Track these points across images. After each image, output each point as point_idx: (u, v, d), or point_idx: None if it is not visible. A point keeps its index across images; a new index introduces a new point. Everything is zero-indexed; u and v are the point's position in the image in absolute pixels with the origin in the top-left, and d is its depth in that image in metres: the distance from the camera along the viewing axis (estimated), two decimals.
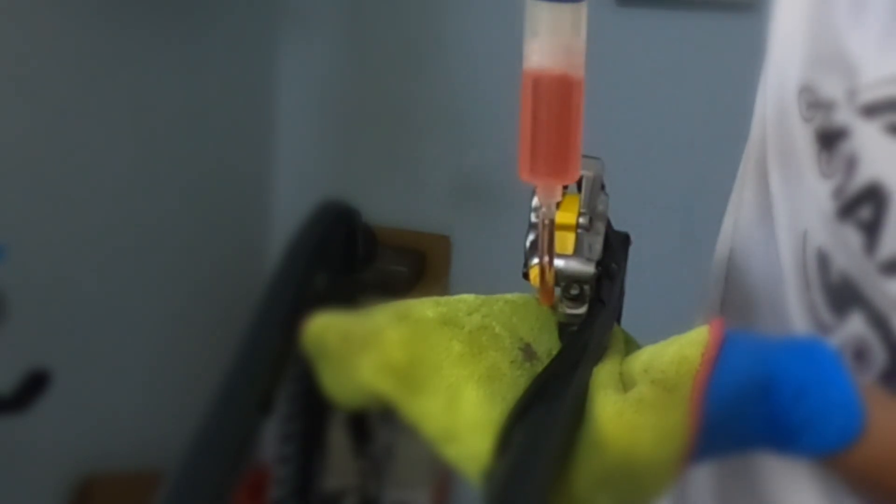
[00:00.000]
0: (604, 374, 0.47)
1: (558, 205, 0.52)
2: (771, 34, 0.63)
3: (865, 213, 0.54)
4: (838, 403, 0.47)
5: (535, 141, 0.45)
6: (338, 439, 0.53)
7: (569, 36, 0.44)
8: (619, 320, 0.55)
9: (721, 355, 0.46)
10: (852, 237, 0.55)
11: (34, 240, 1.59)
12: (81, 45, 1.66)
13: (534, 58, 0.44)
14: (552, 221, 0.47)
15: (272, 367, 0.47)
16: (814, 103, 0.57)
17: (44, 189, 1.62)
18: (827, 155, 0.56)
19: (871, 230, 0.54)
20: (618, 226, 0.55)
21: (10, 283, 1.47)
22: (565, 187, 0.53)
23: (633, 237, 0.56)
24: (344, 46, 2.13)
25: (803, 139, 0.58)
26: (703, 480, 0.67)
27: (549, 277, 0.49)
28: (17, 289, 1.49)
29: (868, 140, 0.53)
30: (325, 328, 0.48)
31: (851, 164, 0.54)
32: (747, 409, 0.47)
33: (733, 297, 0.66)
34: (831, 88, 0.55)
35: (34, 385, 1.48)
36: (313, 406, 0.50)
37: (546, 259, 0.48)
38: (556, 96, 0.44)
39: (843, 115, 0.55)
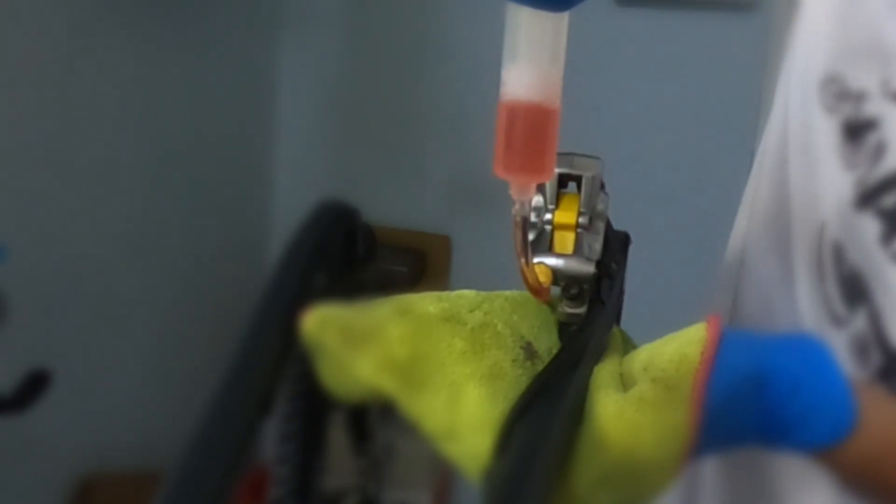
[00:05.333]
0: (604, 374, 0.47)
1: (557, 203, 0.53)
2: (796, 26, 0.63)
3: (889, 200, 0.54)
4: (831, 399, 0.47)
5: (508, 142, 0.45)
6: (338, 439, 0.53)
7: (547, 64, 0.44)
8: (618, 320, 0.55)
9: (719, 353, 0.46)
10: (870, 226, 0.55)
11: (34, 240, 1.59)
12: (81, 45, 1.66)
13: (510, 86, 0.44)
14: (525, 219, 0.46)
15: (272, 366, 0.47)
16: (842, 94, 0.57)
17: (44, 189, 1.62)
18: (851, 146, 0.56)
19: (894, 218, 0.54)
20: (618, 226, 0.55)
21: (10, 283, 1.47)
22: (563, 187, 0.53)
23: (633, 237, 0.56)
24: (344, 46, 2.13)
25: (825, 130, 0.58)
26: (712, 480, 0.67)
27: (530, 276, 0.49)
28: (17, 289, 1.49)
29: None
30: (324, 322, 0.48)
31: (878, 153, 0.54)
32: (743, 405, 0.47)
33: (748, 292, 0.66)
34: (863, 79, 0.55)
35: (34, 385, 1.48)
36: (313, 406, 0.50)
37: (523, 259, 0.48)
38: (531, 125, 0.44)
39: (874, 106, 0.54)
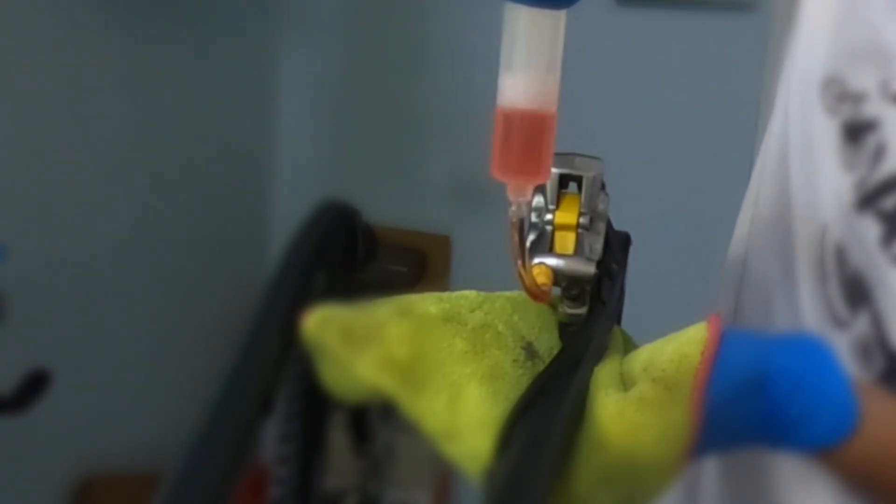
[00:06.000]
0: (604, 374, 0.47)
1: (557, 203, 0.53)
2: (797, 28, 0.63)
3: (889, 202, 0.54)
4: (832, 399, 0.47)
5: (505, 146, 0.45)
6: (338, 439, 0.53)
7: (543, 72, 0.44)
8: (619, 320, 0.55)
9: (719, 352, 0.46)
10: (870, 228, 0.55)
11: (34, 240, 1.59)
12: (81, 46, 1.66)
13: (507, 93, 0.44)
14: (521, 221, 0.47)
15: (272, 367, 0.47)
16: (841, 95, 0.57)
17: (44, 189, 1.62)
18: (852, 147, 0.56)
19: (894, 220, 0.54)
20: (618, 226, 0.55)
21: (10, 283, 1.47)
22: (563, 187, 0.53)
23: (633, 237, 0.56)
24: (344, 46, 2.13)
25: (825, 132, 0.58)
26: (711, 481, 0.67)
27: (527, 279, 0.48)
28: (17, 289, 1.49)
29: None
30: (325, 322, 0.48)
31: (878, 155, 0.54)
32: (744, 405, 0.47)
33: (749, 293, 0.66)
34: (862, 80, 0.56)
35: (34, 385, 1.48)
36: (313, 406, 0.50)
37: (520, 261, 0.48)
38: (528, 130, 0.45)
39: (874, 107, 0.55)
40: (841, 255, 0.57)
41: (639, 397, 0.45)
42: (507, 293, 0.52)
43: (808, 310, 0.59)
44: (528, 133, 0.45)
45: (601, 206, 0.53)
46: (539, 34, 0.44)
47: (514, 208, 0.46)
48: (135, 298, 1.83)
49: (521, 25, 0.44)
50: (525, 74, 0.44)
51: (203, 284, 1.99)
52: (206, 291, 1.98)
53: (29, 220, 1.59)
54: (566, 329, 0.52)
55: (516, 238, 0.47)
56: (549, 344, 0.50)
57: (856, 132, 0.56)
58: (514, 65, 0.44)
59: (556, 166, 0.51)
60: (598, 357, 0.49)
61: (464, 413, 0.46)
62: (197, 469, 0.42)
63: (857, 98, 0.56)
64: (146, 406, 1.87)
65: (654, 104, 1.92)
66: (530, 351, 0.49)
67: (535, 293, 0.49)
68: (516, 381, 0.47)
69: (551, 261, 0.51)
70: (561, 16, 0.44)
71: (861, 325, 0.56)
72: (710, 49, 1.86)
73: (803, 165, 0.60)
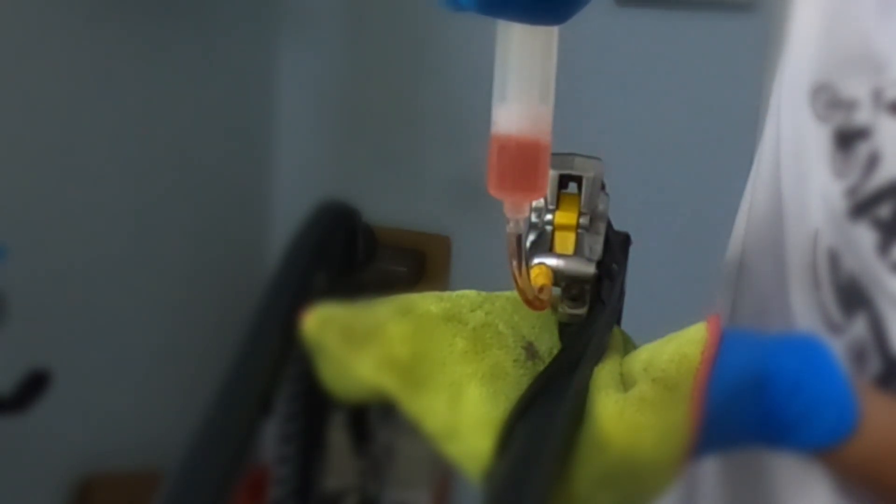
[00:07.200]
0: (604, 374, 0.47)
1: (557, 203, 0.53)
2: (788, 33, 0.63)
3: (885, 210, 0.54)
4: (832, 399, 0.47)
5: (501, 169, 0.45)
6: (338, 439, 0.53)
7: (536, 103, 0.44)
8: (619, 320, 0.55)
9: (719, 353, 0.46)
10: (865, 236, 0.55)
11: (34, 240, 1.59)
12: (82, 46, 1.66)
13: (501, 123, 0.44)
14: (519, 236, 0.46)
15: (272, 367, 0.47)
16: (832, 102, 0.57)
17: (44, 189, 1.62)
18: (843, 155, 0.56)
19: (890, 228, 0.54)
20: (618, 226, 0.55)
21: (10, 283, 1.47)
22: (563, 188, 0.53)
23: (633, 237, 0.56)
24: (344, 47, 2.13)
25: (816, 138, 0.58)
26: (711, 482, 0.67)
27: (526, 289, 0.48)
28: (17, 289, 1.49)
29: (893, 137, 0.53)
30: (325, 322, 0.48)
31: (871, 163, 0.54)
32: (744, 405, 0.47)
33: (744, 296, 0.66)
34: (854, 87, 0.55)
35: (34, 385, 1.48)
36: (313, 406, 0.50)
37: (517, 272, 0.48)
38: (522, 158, 0.45)
39: (866, 115, 0.55)
40: (834, 261, 0.57)
41: (639, 397, 0.45)
42: (508, 293, 0.52)
43: (802, 314, 0.59)
44: (524, 160, 0.44)
45: (601, 207, 0.53)
46: (531, 56, 0.43)
47: (511, 225, 0.46)
48: (135, 298, 1.83)
49: (514, 48, 0.43)
50: (518, 105, 0.44)
51: (203, 284, 1.99)
52: (206, 291, 1.98)
53: (29, 220, 1.59)
54: (566, 329, 0.52)
55: (515, 252, 0.47)
56: (549, 344, 0.50)
57: (847, 140, 0.56)
58: (507, 95, 0.44)
59: (555, 167, 0.51)
60: (598, 357, 0.49)
61: (464, 413, 0.46)
62: (197, 469, 0.42)
63: (848, 106, 0.56)
64: (146, 406, 1.87)
65: (654, 104, 1.91)
66: (531, 351, 0.49)
67: (534, 304, 0.49)
68: (517, 381, 0.47)
69: (551, 261, 0.51)
70: (553, 34, 0.43)
71: (856, 329, 0.56)
72: (710, 49, 1.85)
73: (794, 171, 0.60)
